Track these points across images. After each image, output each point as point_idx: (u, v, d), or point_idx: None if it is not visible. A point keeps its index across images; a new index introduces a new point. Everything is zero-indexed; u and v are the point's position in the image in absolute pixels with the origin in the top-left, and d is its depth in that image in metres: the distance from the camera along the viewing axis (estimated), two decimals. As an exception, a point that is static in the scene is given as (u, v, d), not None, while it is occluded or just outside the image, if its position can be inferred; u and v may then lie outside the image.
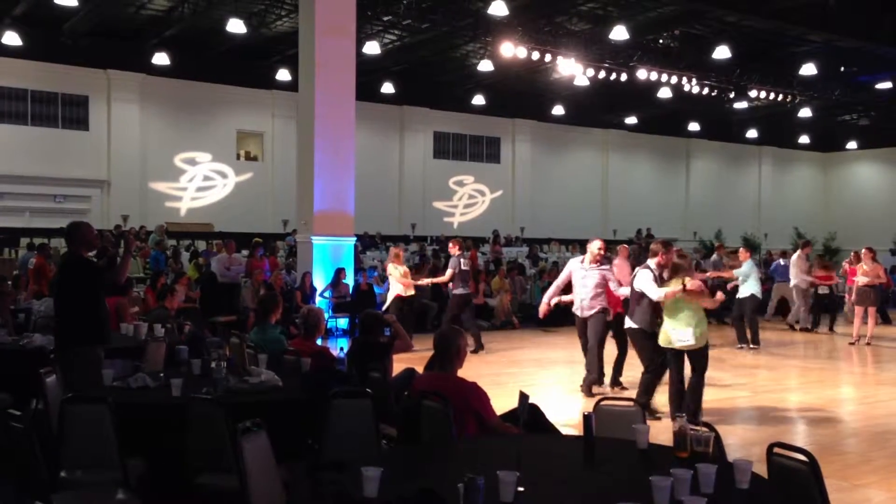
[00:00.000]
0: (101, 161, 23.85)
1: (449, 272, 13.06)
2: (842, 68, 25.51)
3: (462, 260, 12.99)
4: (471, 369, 5.24)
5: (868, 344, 14.45)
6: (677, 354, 7.82)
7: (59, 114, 23.42)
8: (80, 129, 23.75)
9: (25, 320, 9.70)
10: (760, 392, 10.18)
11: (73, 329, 6.17)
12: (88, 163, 23.60)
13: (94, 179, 23.74)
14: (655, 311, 8.06)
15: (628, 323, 8.36)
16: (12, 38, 20.36)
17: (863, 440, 7.88)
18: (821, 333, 16.49)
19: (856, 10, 19.88)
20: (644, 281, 8.06)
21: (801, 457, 3.46)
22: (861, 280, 14.64)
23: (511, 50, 20.37)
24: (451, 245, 13.94)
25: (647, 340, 8.15)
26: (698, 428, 3.85)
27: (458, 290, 12.85)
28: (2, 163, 22.07)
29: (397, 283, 13.26)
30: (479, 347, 13.04)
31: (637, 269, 8.41)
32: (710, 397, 8.48)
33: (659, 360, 8.11)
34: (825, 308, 17.02)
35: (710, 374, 8.45)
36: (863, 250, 15.13)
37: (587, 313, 9.50)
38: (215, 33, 21.99)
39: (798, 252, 16.70)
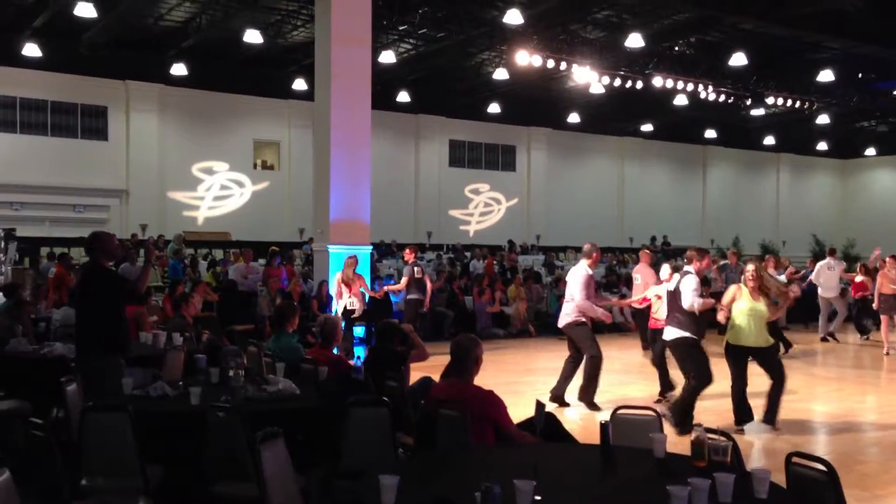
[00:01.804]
0: (119, 171, 24.04)
1: (403, 280, 13.72)
2: (860, 75, 25.37)
3: (415, 269, 13.83)
4: (487, 377, 5.25)
5: (887, 354, 14.33)
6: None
7: (78, 124, 23.64)
8: (99, 139, 23.97)
9: (45, 329, 9.80)
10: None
11: (94, 338, 6.22)
12: (107, 173, 23.79)
13: (113, 189, 23.93)
14: (702, 319, 8.05)
15: (675, 332, 8.05)
16: (32, 50, 20.58)
17: (883, 450, 7.81)
18: (847, 343, 16.34)
19: (873, 16, 19.76)
20: (688, 287, 7.99)
21: (821, 467, 3.45)
22: (891, 288, 14.48)
23: (526, 58, 20.39)
24: (406, 252, 14.30)
25: (696, 349, 8.04)
26: (716, 437, 3.84)
27: (413, 296, 13.72)
28: (22, 173, 22.30)
29: (345, 293, 13.17)
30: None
31: (678, 274, 8.19)
32: (729, 406, 8.43)
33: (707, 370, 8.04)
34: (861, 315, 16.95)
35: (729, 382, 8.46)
36: (887, 258, 15.01)
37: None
38: (232, 44, 22.15)
39: (830, 260, 16.51)
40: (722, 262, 16.60)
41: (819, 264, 16.61)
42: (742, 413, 8.12)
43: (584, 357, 9.25)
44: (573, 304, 9.17)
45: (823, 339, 16.32)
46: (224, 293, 14.94)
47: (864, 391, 11.42)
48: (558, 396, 9.33)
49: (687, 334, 7.99)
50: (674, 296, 8.09)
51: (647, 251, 13.63)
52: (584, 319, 9.22)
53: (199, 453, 4.75)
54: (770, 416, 8.21)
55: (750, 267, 8.23)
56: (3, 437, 6.36)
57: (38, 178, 22.50)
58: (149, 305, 10.85)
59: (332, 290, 13.76)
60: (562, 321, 9.36)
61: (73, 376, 5.79)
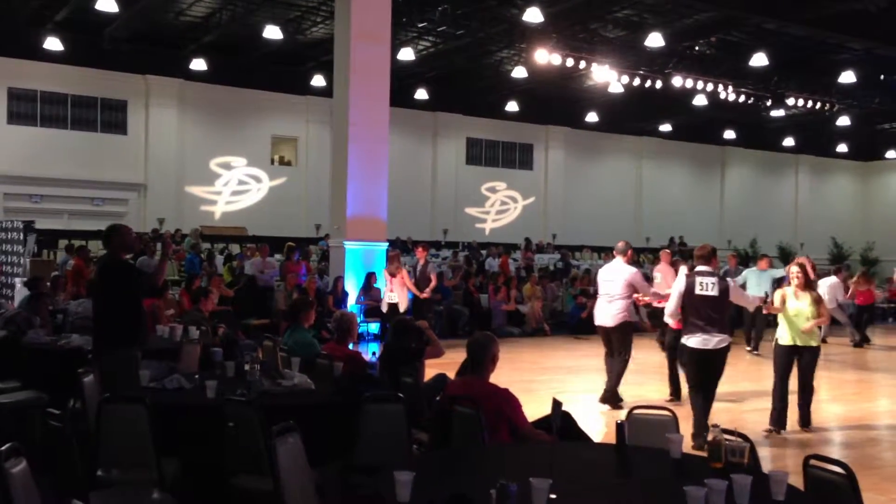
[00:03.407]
0: (138, 165, 24.17)
1: (433, 277, 13.91)
2: (881, 76, 25.12)
3: (429, 265, 14.26)
4: (502, 376, 5.23)
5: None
6: None
7: (98, 118, 23.78)
8: (119, 133, 24.10)
9: (63, 321, 9.86)
10: (796, 403, 10.01)
11: (111, 330, 6.25)
12: (126, 166, 23.93)
13: (132, 183, 24.07)
14: None
15: (727, 340, 7.56)
16: (54, 44, 20.73)
17: (901, 454, 7.74)
18: (864, 347, 16.23)
19: (897, 17, 19.57)
20: (741, 294, 7.91)
21: (839, 469, 3.41)
22: None
23: (545, 56, 20.32)
24: (418, 251, 14.48)
25: None
26: (733, 438, 3.81)
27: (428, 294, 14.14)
28: (42, 166, 22.47)
29: (402, 288, 13.37)
30: None
31: (725, 278, 7.78)
32: (748, 408, 8.38)
33: None
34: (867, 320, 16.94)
35: (746, 386, 8.39)
36: None
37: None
38: (252, 39, 22.22)
39: (835, 279, 16.47)
40: (724, 269, 16.50)
41: (821, 281, 16.51)
42: (782, 416, 8.13)
43: (617, 357, 9.29)
44: (623, 302, 9.16)
45: (857, 345, 16.16)
46: (242, 288, 14.98)
47: (881, 394, 11.32)
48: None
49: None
50: (717, 301, 7.51)
51: (668, 251, 13.67)
52: (633, 319, 9.31)
53: (215, 446, 4.76)
54: (803, 420, 8.28)
55: (794, 268, 8.21)
56: (20, 428, 6.41)
57: (58, 172, 22.65)
58: (166, 299, 10.90)
59: (382, 285, 14.27)
60: (611, 320, 9.24)
61: (90, 368, 5.82)
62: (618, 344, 9.32)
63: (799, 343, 8.05)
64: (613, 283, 9.23)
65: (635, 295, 9.33)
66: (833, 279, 16.33)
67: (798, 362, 8.17)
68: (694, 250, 8.10)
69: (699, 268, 7.72)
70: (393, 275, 13.35)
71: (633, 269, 9.35)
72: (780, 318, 8.14)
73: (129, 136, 24.16)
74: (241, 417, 4.61)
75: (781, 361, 8.17)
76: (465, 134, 29.79)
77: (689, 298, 7.53)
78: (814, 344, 8.11)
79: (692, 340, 7.51)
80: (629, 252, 9.56)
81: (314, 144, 26.40)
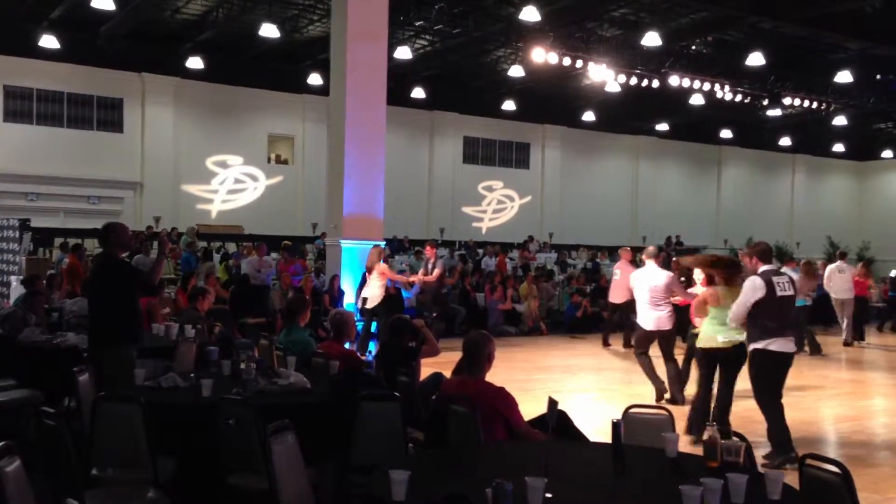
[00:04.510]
0: (134, 163, 24.13)
1: (437, 271, 13.99)
2: (878, 76, 25.17)
3: (439, 261, 14.61)
4: (498, 374, 5.23)
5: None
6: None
7: (94, 116, 23.73)
8: (115, 131, 24.04)
9: (59, 319, 9.84)
10: (791, 403, 10.00)
11: (106, 329, 6.23)
12: (122, 165, 23.88)
13: (128, 181, 24.02)
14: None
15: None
16: (49, 41, 20.69)
17: (895, 453, 7.76)
18: (857, 346, 16.27)
19: (892, 17, 19.59)
20: None
21: (834, 469, 3.41)
22: None
23: (542, 55, 20.33)
24: (427, 249, 14.84)
25: None
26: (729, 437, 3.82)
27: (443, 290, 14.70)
28: (38, 164, 22.42)
29: (379, 282, 13.22)
30: None
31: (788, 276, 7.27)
32: (741, 407, 8.37)
33: None
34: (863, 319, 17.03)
35: (741, 384, 8.35)
36: None
37: None
38: (248, 38, 22.19)
39: (840, 263, 16.49)
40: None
41: (829, 268, 16.48)
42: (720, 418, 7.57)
43: (671, 359, 9.43)
44: (671, 306, 9.27)
45: (847, 344, 16.14)
46: (236, 286, 14.97)
47: (877, 393, 11.34)
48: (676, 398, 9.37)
49: None
50: (793, 301, 7.16)
51: (628, 248, 14.58)
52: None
53: (211, 445, 4.75)
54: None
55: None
56: (14, 427, 6.39)
57: (54, 169, 22.60)
58: (161, 297, 10.89)
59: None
60: (661, 324, 9.31)
61: (85, 366, 5.80)
62: (670, 348, 9.49)
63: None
64: (656, 289, 9.25)
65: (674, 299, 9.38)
66: (843, 264, 16.31)
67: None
68: (752, 246, 7.39)
69: (765, 267, 7.02)
70: (369, 270, 13.16)
71: (668, 273, 9.45)
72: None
73: (125, 134, 24.11)
74: (236, 416, 4.60)
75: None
76: (462, 133, 29.78)
77: (770, 300, 6.82)
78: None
79: (776, 344, 6.85)
80: (660, 255, 9.63)
81: (311, 143, 26.37)
